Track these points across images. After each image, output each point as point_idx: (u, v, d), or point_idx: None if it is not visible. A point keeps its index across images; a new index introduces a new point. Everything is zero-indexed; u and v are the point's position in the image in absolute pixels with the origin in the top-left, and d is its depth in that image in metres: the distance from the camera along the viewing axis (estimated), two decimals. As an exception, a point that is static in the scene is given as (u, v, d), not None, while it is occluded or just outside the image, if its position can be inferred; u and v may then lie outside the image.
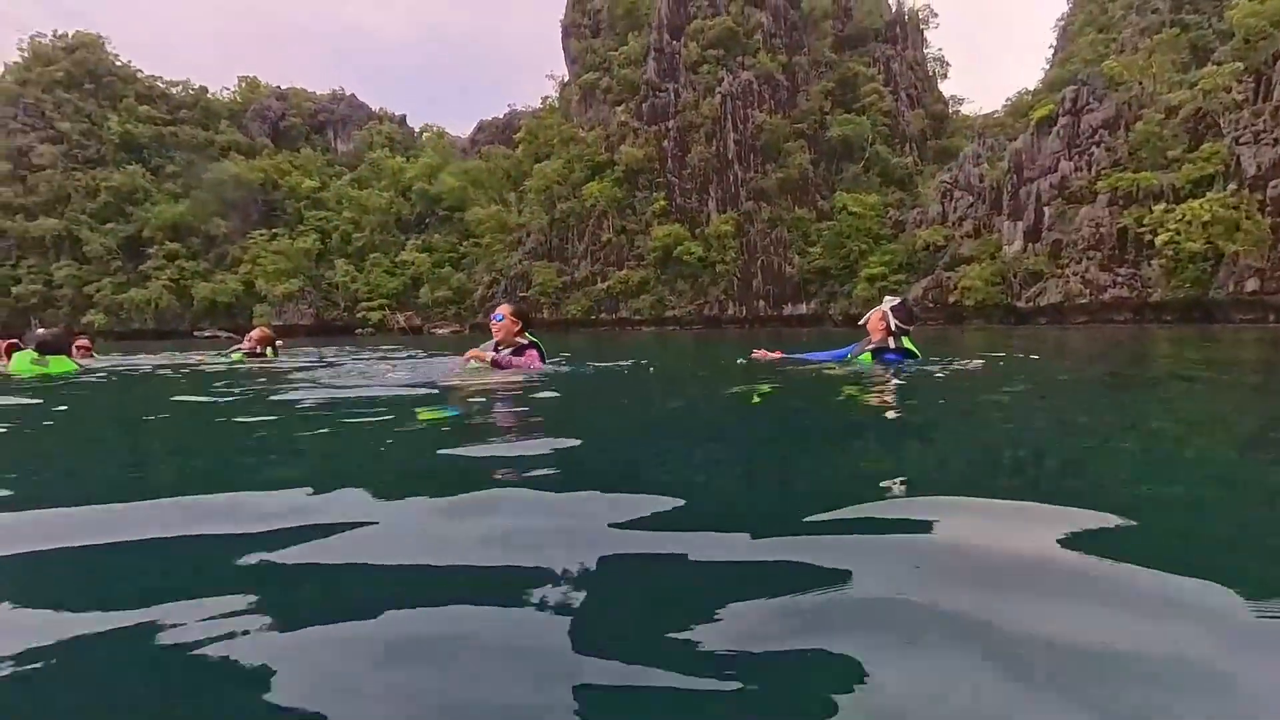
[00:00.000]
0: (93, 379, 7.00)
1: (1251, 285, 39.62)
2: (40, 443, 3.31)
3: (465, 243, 72.62)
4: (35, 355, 7.13)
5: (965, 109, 75.23)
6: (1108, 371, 7.46)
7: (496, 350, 5.95)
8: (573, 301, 66.93)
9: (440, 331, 66.88)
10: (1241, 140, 41.69)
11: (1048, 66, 71.26)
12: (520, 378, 5.67)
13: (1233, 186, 41.31)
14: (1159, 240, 42.70)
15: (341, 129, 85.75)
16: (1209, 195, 41.59)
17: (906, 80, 65.02)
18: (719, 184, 64.46)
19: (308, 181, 76.31)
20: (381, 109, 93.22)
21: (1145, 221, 44.00)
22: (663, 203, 65.25)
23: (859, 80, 63.40)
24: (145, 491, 2.05)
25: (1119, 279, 45.66)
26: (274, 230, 73.68)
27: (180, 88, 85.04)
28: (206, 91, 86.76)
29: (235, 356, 9.00)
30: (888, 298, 6.32)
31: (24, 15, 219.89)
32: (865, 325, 6.31)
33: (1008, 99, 70.56)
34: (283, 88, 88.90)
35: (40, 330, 7.95)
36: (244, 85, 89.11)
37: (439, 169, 76.35)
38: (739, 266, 62.74)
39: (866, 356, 6.10)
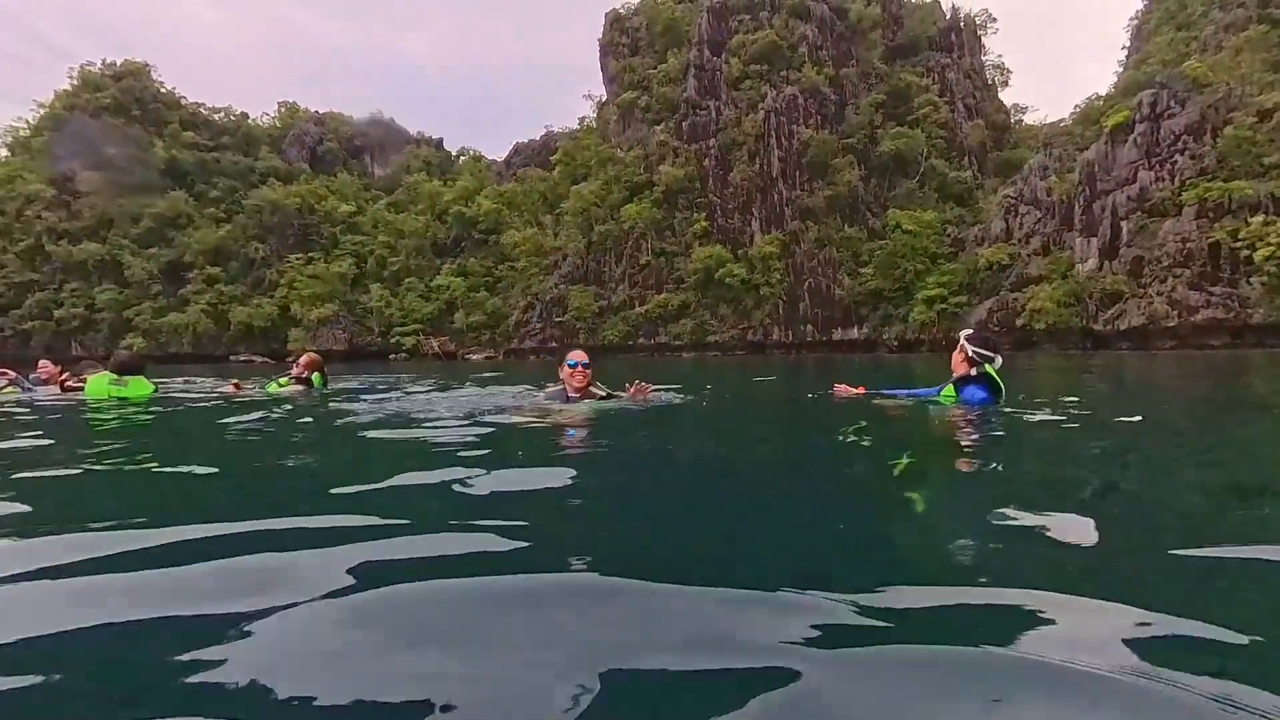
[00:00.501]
0: (196, 404, 7.06)
1: (1373, 305, 35.56)
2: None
3: (500, 266, 71.25)
4: (113, 377, 7.04)
5: (1029, 118, 71.58)
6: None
7: (567, 398, 5.84)
8: (610, 326, 64.78)
9: (474, 357, 65.24)
10: (1353, 143, 37.87)
11: (1121, 69, 67.49)
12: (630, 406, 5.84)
13: (1345, 196, 37.43)
14: (1259, 255, 38.90)
15: (379, 153, 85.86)
16: (1316, 206, 37.80)
17: (963, 90, 61.86)
18: (763, 203, 61.97)
19: (344, 206, 76.05)
20: (419, 132, 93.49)
21: (1241, 235, 40.15)
22: (703, 223, 63.01)
23: (912, 91, 60.46)
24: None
25: (1213, 299, 41.60)
26: (310, 254, 73.34)
27: (222, 114, 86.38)
28: (247, 117, 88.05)
29: (283, 381, 8.50)
30: (964, 330, 6.04)
31: (71, 45, 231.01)
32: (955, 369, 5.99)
33: (1076, 106, 66.97)
34: (320, 112, 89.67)
35: (119, 351, 7.99)
36: (283, 110, 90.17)
37: (475, 192, 75.43)
38: (784, 289, 59.85)
39: (949, 390, 5.78)
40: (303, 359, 8.85)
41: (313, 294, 69.52)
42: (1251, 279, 39.89)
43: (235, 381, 8.83)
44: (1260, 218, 39.44)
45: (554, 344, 67.05)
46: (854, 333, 58.24)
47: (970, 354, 5.48)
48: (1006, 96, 72.93)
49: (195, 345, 69.64)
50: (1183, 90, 45.16)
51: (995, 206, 52.16)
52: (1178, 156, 44.25)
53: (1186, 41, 53.85)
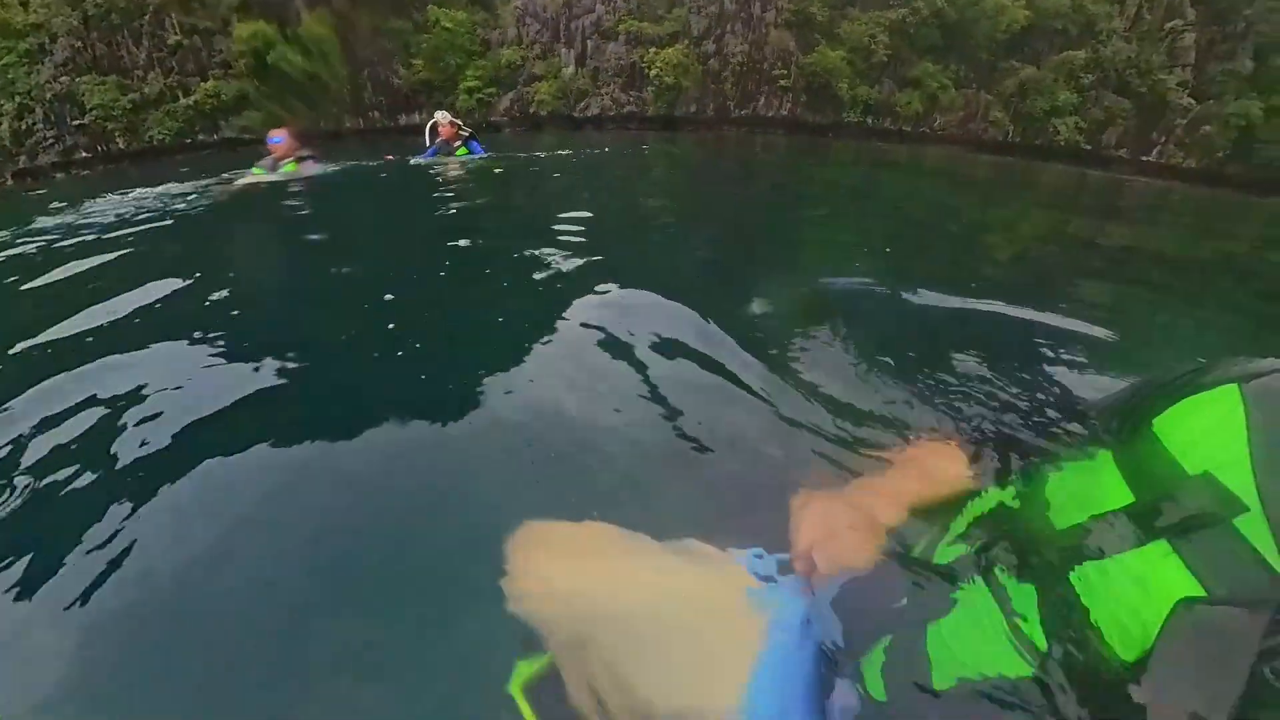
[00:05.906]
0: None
1: (693, 108, 70.54)
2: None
3: (-50, 55, 53.51)
4: None
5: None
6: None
7: (276, 166, 7.74)
8: (155, 123, 60.87)
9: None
10: (691, 11, 68.40)
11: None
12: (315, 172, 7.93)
13: (686, 42, 69.03)
14: (651, 74, 69.10)
15: None
16: (675, 46, 68.70)
17: (480, -102, 68.81)
18: (304, -19, 62.88)
19: None
20: None
21: (645, 59, 69.35)
22: (238, -4, 60.76)
23: (434, -111, 64.97)
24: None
25: (631, 99, 71.72)
26: None
27: None
28: None
29: None
30: (440, 113, 8.89)
31: None
32: (440, 133, 8.86)
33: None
34: None
35: None
36: None
37: None
38: (348, 78, 66.49)
39: (463, 150, 8.64)
40: None
41: None
42: (647, 89, 70.61)
43: None
44: (654, 50, 68.64)
45: (85, 154, 59.58)
46: (415, 118, 71.07)
47: (459, 126, 8.73)
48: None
49: None
50: (620, -52, 67.29)
51: (510, 16, 68.74)
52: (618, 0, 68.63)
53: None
